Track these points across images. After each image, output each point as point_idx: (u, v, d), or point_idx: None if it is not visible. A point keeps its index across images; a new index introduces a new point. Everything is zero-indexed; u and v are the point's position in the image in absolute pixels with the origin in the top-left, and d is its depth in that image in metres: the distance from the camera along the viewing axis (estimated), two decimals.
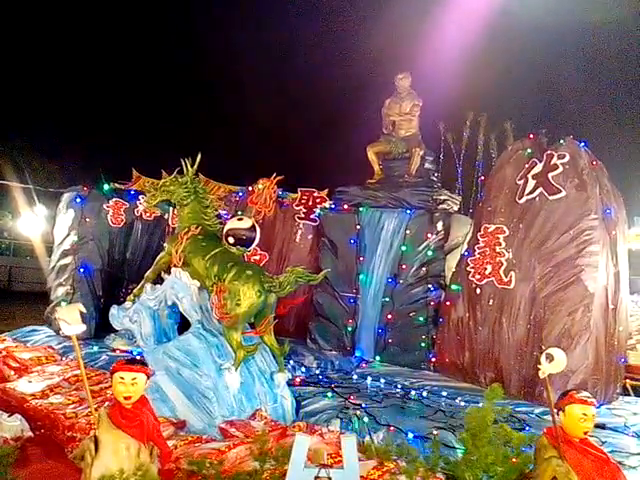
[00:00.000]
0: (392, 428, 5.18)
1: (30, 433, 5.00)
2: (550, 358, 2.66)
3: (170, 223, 9.40)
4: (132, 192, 9.44)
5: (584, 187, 6.96)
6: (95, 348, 7.68)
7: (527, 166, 7.44)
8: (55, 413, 5.13)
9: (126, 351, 7.59)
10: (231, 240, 5.95)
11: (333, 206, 9.59)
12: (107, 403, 3.18)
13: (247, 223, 6.02)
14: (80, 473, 2.93)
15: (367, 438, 4.82)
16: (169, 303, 6.10)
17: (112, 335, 8.01)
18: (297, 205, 9.97)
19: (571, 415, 2.64)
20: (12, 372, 6.84)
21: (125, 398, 2.75)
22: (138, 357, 5.74)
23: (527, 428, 5.27)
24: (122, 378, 2.77)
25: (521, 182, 7.44)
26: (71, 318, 2.64)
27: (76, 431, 4.74)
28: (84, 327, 2.79)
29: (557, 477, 2.52)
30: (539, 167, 7.29)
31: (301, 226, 9.87)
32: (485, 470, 2.54)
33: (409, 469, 2.67)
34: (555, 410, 2.73)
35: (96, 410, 2.80)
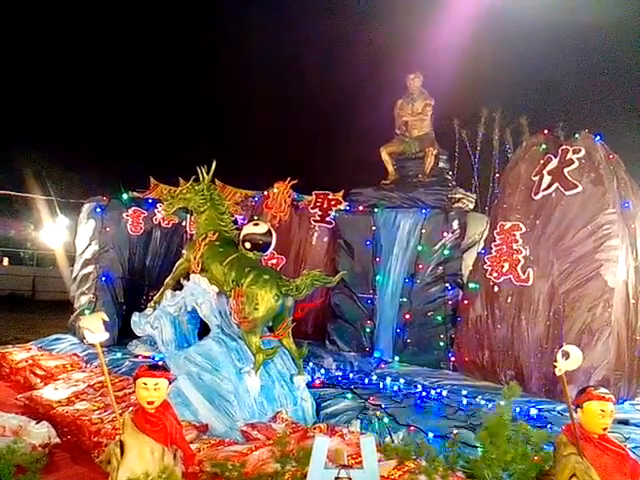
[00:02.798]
0: (412, 428, 5.19)
1: (57, 439, 5.10)
2: (566, 355, 2.67)
3: (188, 230, 9.53)
4: (150, 200, 9.59)
5: (601, 181, 6.89)
6: (118, 354, 7.81)
7: (542, 162, 7.39)
8: (81, 419, 5.25)
9: (148, 357, 7.71)
10: (248, 245, 6.03)
11: (348, 208, 9.62)
12: (131, 408, 3.27)
13: (263, 228, 6.10)
14: (107, 477, 3.02)
15: (387, 438, 4.84)
16: (189, 309, 6.20)
17: (134, 341, 8.13)
18: (312, 208, 10.02)
19: (589, 412, 2.64)
20: (38, 380, 7.01)
21: (148, 403, 2.83)
22: (160, 362, 5.84)
23: (549, 426, 5.25)
24: (145, 384, 2.85)
25: (536, 178, 7.39)
26: (94, 326, 2.73)
27: (102, 436, 4.84)
28: (107, 335, 2.88)
29: (576, 474, 2.53)
30: (554, 162, 7.24)
31: (317, 229, 9.91)
32: (504, 468, 2.56)
33: (429, 468, 2.70)
34: (573, 407, 2.74)
35: (121, 415, 2.88)
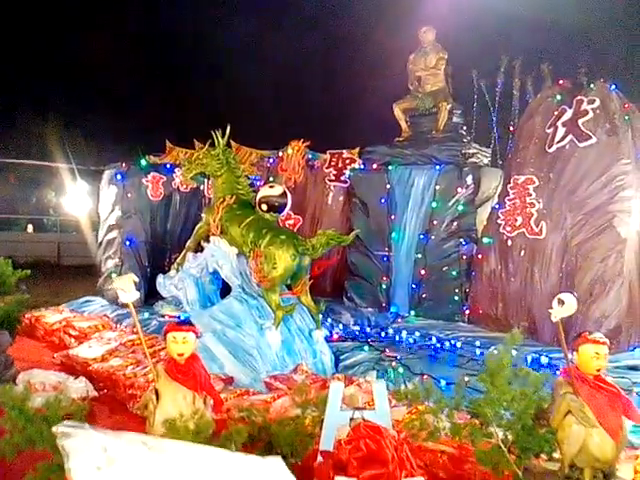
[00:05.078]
0: (425, 377, 5.46)
1: (95, 393, 5.49)
2: (561, 302, 2.85)
3: (206, 194, 9.75)
4: (168, 166, 9.79)
5: (615, 132, 6.85)
6: (146, 314, 8.18)
7: (556, 113, 7.34)
8: (116, 374, 5.62)
9: (174, 316, 8.07)
10: (264, 207, 6.22)
11: (362, 166, 9.70)
12: (161, 362, 3.57)
13: (278, 190, 6.27)
14: (143, 424, 3.34)
15: (402, 386, 5.11)
16: (210, 270, 6.49)
17: (160, 302, 8.49)
18: (327, 167, 10.12)
19: (584, 354, 2.83)
20: (72, 340, 7.42)
21: (178, 355, 3.11)
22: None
23: (557, 372, 5.47)
24: (174, 337, 3.12)
25: (550, 130, 7.36)
26: (126, 287, 2.98)
27: (136, 389, 5.20)
28: (138, 294, 3.14)
29: (571, 411, 2.75)
30: (569, 114, 7.19)
31: (332, 188, 10.04)
32: (505, 407, 2.78)
33: (435, 408, 2.95)
34: (570, 350, 2.94)
35: (154, 367, 3.18)
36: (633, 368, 6.07)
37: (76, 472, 1.79)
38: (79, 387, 5.45)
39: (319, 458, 2.93)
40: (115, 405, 5.35)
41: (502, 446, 2.82)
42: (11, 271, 7.27)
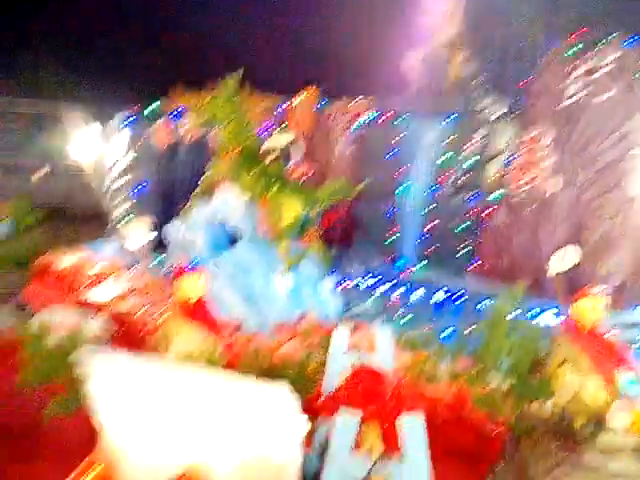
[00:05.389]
0: (430, 326, 5.58)
1: (110, 334, 5.68)
2: (562, 256, 2.91)
3: (215, 141, 9.68)
4: (178, 111, 9.69)
5: (630, 87, 6.69)
6: (155, 262, 8.29)
7: (570, 68, 7.15)
8: (130, 315, 5.79)
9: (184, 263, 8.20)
10: (273, 156, 6.20)
11: (373, 117, 9.56)
12: (173, 304, 3.69)
13: (287, 139, 6.23)
14: None
15: (406, 335, 5.25)
16: (219, 218, 6.54)
17: (169, 249, 8.59)
18: (338, 117, 9.96)
19: (582, 307, 2.93)
20: (86, 283, 7.58)
21: (189, 297, 3.24)
22: None
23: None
24: (185, 280, 3.25)
25: (564, 85, 7.20)
26: (140, 231, 3.08)
27: (150, 330, 5.36)
28: (151, 237, 3.23)
29: (567, 360, 2.87)
30: (583, 68, 7.01)
31: (342, 138, 9.92)
32: (503, 356, 2.90)
33: (438, 353, 3.07)
34: (570, 304, 3.03)
35: (167, 308, 3.32)
36: (635, 325, 6.16)
37: (95, 391, 1.92)
38: (96, 326, 5.61)
39: (321, 398, 3.06)
40: (130, 346, 5.52)
41: (498, 392, 2.95)
42: (29, 210, 7.35)
